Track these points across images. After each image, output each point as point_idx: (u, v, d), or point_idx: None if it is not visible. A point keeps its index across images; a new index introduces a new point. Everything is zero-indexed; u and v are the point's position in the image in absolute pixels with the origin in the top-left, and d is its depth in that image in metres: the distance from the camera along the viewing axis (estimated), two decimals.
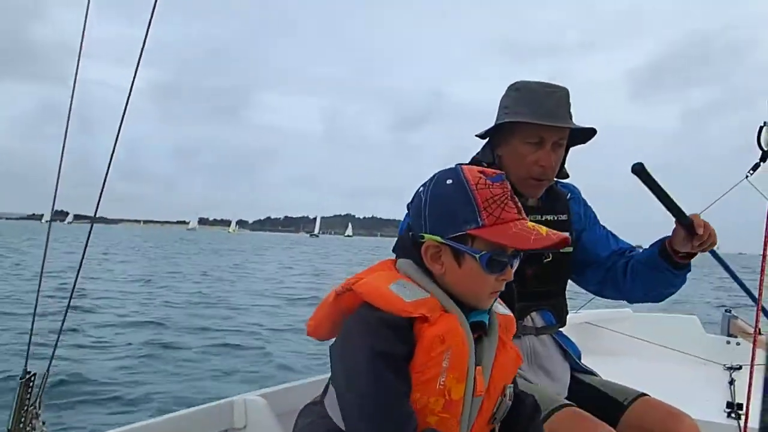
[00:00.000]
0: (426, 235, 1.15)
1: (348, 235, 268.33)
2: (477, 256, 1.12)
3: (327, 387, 1.23)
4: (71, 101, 1.31)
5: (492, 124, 1.85)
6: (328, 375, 2.04)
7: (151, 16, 1.25)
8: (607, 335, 3.26)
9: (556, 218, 1.89)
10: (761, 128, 2.52)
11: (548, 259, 1.86)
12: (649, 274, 1.87)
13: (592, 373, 1.96)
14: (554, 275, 1.90)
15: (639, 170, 1.59)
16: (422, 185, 1.22)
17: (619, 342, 3.22)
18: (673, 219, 1.66)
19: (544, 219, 1.86)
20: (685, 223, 1.65)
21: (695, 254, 1.77)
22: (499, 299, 1.28)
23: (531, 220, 1.79)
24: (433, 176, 1.21)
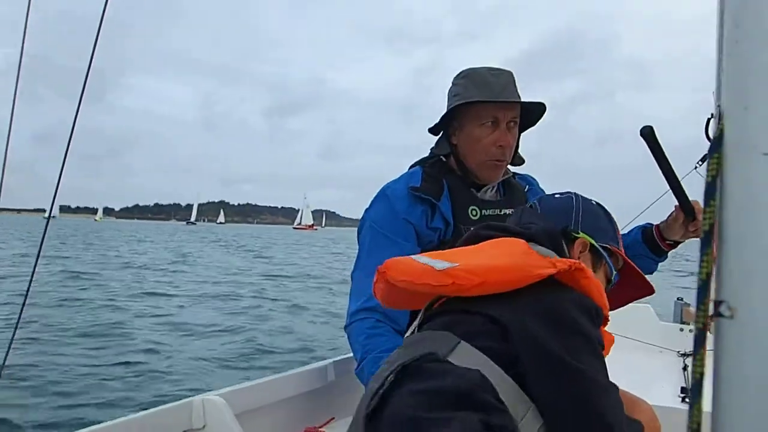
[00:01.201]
0: (581, 234, 1.20)
1: (220, 222, 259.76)
2: (613, 269, 1.22)
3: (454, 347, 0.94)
4: None
5: (433, 120, 1.86)
6: (288, 372, 2.07)
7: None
8: None
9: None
10: (708, 120, 2.57)
11: None
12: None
13: None
14: None
15: (647, 134, 1.49)
16: (558, 194, 1.32)
17: None
18: (675, 202, 1.61)
19: (502, 213, 1.87)
20: (687, 207, 1.61)
21: (680, 243, 1.79)
22: None
23: (489, 215, 1.85)
24: (572, 193, 1.30)
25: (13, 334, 1.34)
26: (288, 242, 60.76)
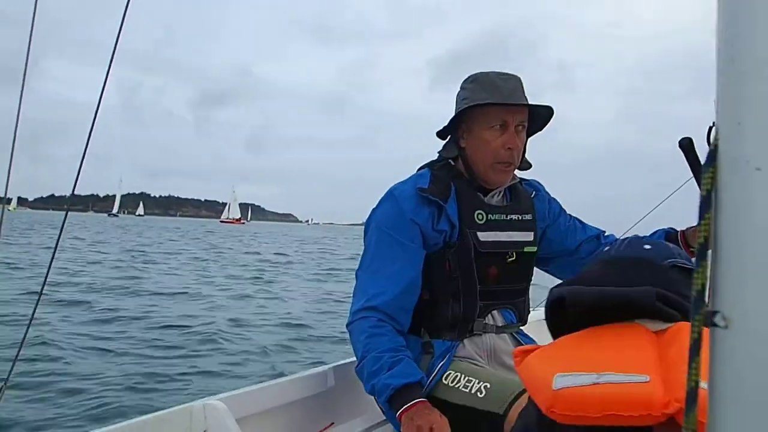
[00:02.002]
0: None
1: (139, 215, 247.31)
2: None
3: None
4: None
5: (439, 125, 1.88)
6: (288, 377, 2.08)
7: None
8: None
9: (520, 218, 1.91)
10: (710, 129, 2.58)
11: (512, 259, 1.88)
12: None
13: None
14: (517, 275, 1.93)
15: (686, 146, 1.51)
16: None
17: None
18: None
19: (509, 218, 1.88)
20: None
21: None
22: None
23: (495, 219, 1.86)
24: None
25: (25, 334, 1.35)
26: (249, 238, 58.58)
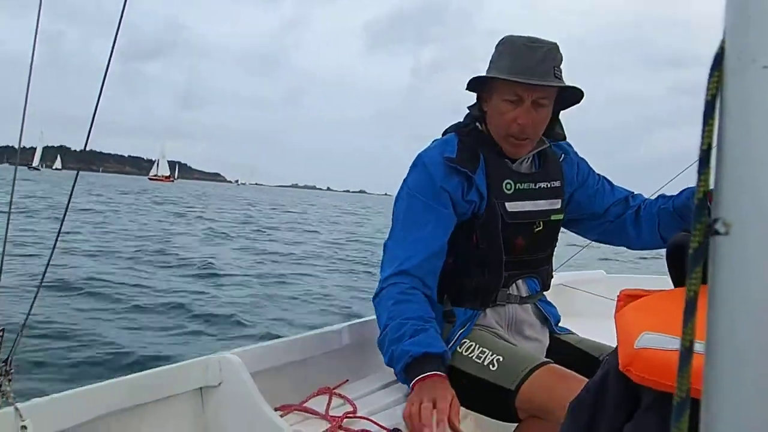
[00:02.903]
0: None
1: (57, 169, 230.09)
2: None
3: None
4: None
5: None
6: (303, 334, 2.10)
7: None
8: (582, 297, 3.31)
9: (549, 185, 1.87)
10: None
11: (539, 228, 1.85)
12: (677, 222, 1.88)
13: (569, 332, 1.99)
14: (544, 243, 1.90)
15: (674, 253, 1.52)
16: None
17: (593, 303, 3.27)
18: None
19: (537, 186, 1.84)
20: None
21: None
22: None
23: (524, 189, 1.82)
24: None
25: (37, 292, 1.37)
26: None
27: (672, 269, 0.85)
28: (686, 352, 0.39)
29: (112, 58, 1.32)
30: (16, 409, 1.27)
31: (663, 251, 2.01)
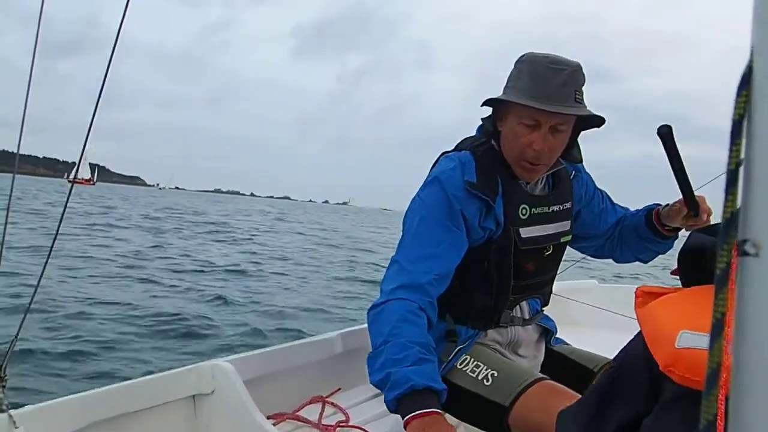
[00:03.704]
0: None
1: None
2: None
3: None
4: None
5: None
6: (296, 342, 2.09)
7: None
8: (575, 307, 3.32)
9: (561, 207, 1.82)
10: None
11: (549, 252, 1.82)
12: (637, 241, 1.92)
13: (564, 343, 1.98)
14: (551, 265, 1.87)
15: (665, 134, 1.50)
16: None
17: (585, 313, 3.28)
18: (681, 196, 1.64)
19: (551, 210, 1.79)
20: (693, 205, 1.64)
21: (679, 230, 1.81)
22: None
23: (539, 212, 1.77)
24: None
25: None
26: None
27: (685, 270, 0.83)
28: (714, 374, 0.39)
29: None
30: (10, 416, 1.25)
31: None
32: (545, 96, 1.59)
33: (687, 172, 1.56)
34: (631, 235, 1.94)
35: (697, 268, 0.78)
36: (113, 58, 1.34)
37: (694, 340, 0.65)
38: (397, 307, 1.56)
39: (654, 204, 1.90)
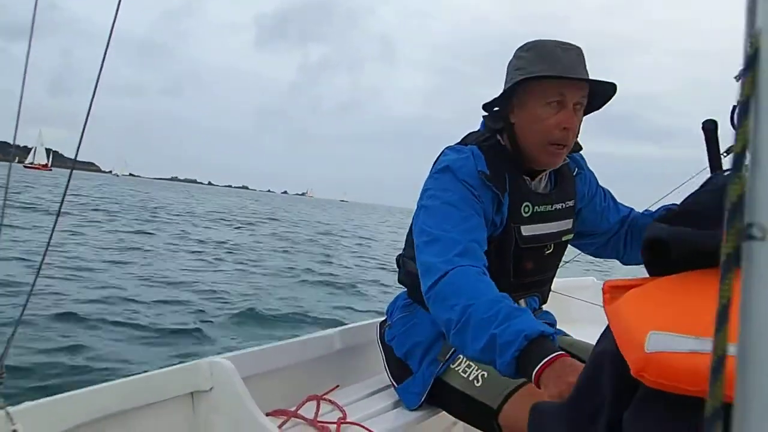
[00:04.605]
0: None
1: None
2: None
3: None
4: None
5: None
6: (295, 339, 2.08)
7: None
8: (574, 304, 3.32)
9: (564, 205, 1.79)
10: (734, 108, 2.48)
11: (549, 251, 1.80)
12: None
13: (564, 333, 1.96)
14: (552, 264, 1.85)
15: (709, 129, 1.50)
16: None
17: (585, 310, 3.28)
18: None
19: (554, 208, 1.76)
20: None
21: None
22: None
23: (542, 211, 1.74)
24: None
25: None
26: None
27: (647, 258, 0.80)
28: (719, 360, 0.38)
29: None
30: (7, 413, 1.24)
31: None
32: (567, 70, 1.57)
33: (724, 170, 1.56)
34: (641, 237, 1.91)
35: (661, 258, 0.75)
36: (107, 54, 1.32)
37: (664, 342, 0.62)
38: (463, 273, 1.45)
39: (672, 204, 1.87)
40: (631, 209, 2.03)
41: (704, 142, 1.54)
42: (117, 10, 1.29)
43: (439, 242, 1.53)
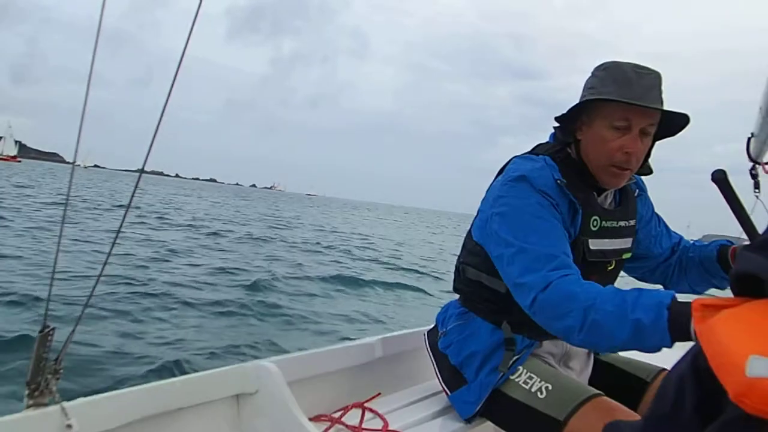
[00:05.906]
0: None
1: None
2: None
3: None
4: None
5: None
6: (338, 345, 2.09)
7: None
8: None
9: (627, 224, 1.79)
10: (749, 139, 2.35)
11: (611, 267, 1.79)
12: (700, 273, 1.86)
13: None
14: (611, 281, 1.83)
15: (720, 179, 1.51)
16: None
17: None
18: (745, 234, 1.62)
19: (618, 225, 1.76)
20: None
21: None
22: None
23: (608, 226, 1.74)
24: None
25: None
26: None
27: (740, 293, 0.78)
28: None
29: None
30: (62, 408, 1.27)
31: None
32: (637, 97, 1.56)
33: (749, 214, 1.54)
34: (694, 267, 1.87)
35: (752, 291, 0.73)
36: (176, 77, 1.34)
37: (767, 367, 0.58)
38: (566, 282, 1.45)
39: (725, 240, 1.86)
40: (681, 237, 2.01)
41: (720, 193, 1.53)
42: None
43: (529, 254, 1.53)
